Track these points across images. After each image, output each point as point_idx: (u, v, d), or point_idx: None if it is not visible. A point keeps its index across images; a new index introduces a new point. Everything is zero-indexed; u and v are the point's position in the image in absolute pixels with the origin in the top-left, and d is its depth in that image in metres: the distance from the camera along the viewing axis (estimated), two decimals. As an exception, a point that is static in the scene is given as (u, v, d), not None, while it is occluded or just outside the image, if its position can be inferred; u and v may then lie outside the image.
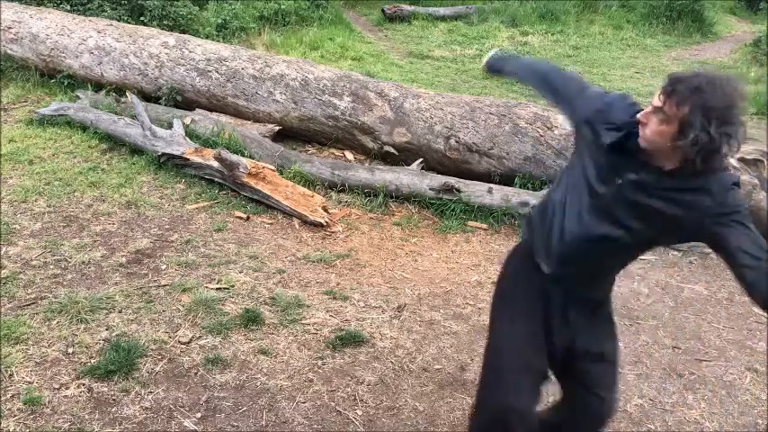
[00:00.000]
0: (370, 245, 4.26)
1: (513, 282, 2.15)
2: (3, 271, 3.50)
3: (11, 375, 2.76)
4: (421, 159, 5.10)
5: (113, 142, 5.32)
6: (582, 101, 1.99)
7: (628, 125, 1.81)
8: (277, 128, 5.63)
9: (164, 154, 4.91)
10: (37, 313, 3.18)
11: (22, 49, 6.62)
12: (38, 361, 2.86)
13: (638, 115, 1.77)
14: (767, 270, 1.68)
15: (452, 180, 4.74)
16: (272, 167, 4.75)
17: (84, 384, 2.75)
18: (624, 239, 1.86)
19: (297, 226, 4.41)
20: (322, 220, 4.38)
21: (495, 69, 2.45)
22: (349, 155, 5.51)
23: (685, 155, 1.69)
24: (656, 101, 1.72)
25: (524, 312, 2.05)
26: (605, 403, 2.13)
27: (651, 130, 1.73)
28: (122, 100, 5.96)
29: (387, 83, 5.73)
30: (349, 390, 2.87)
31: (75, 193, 4.52)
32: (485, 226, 4.54)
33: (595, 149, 1.88)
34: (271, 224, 4.41)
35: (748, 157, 4.36)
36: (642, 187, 1.80)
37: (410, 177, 4.81)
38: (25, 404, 2.61)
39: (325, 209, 4.50)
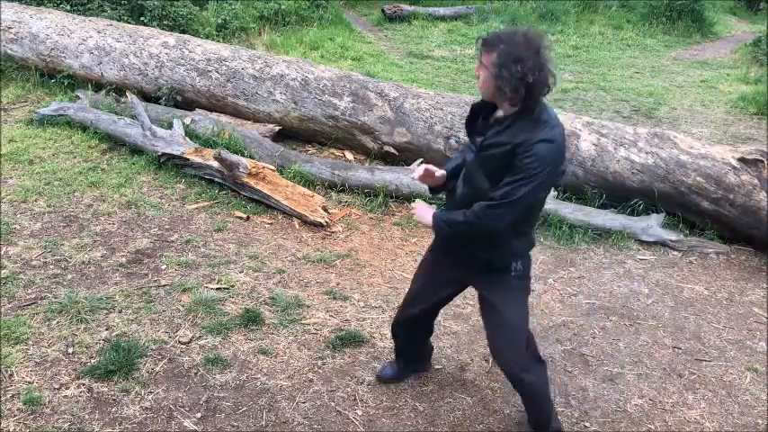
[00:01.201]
0: (370, 245, 4.26)
1: None
2: (3, 271, 3.51)
3: (11, 375, 2.76)
4: (421, 159, 5.09)
5: (113, 142, 5.32)
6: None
7: (475, 106, 2.32)
8: (277, 128, 5.63)
9: (164, 154, 4.91)
10: (37, 313, 3.18)
11: (22, 49, 6.63)
12: (38, 361, 2.86)
13: (475, 70, 2.21)
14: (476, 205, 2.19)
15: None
16: (272, 167, 4.75)
17: (84, 384, 2.75)
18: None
19: (297, 226, 4.41)
20: (322, 220, 4.38)
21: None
22: (349, 155, 5.51)
23: (506, 93, 2.08)
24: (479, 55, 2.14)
25: None
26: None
27: (481, 81, 2.17)
28: (122, 100, 5.96)
29: (387, 83, 5.73)
30: (349, 390, 2.87)
31: (75, 193, 4.52)
32: (485, 226, 4.54)
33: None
34: (271, 224, 4.41)
35: (748, 157, 4.36)
36: (487, 146, 2.21)
37: (410, 177, 4.81)
38: (25, 404, 2.61)
39: (325, 209, 4.50)
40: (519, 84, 2.05)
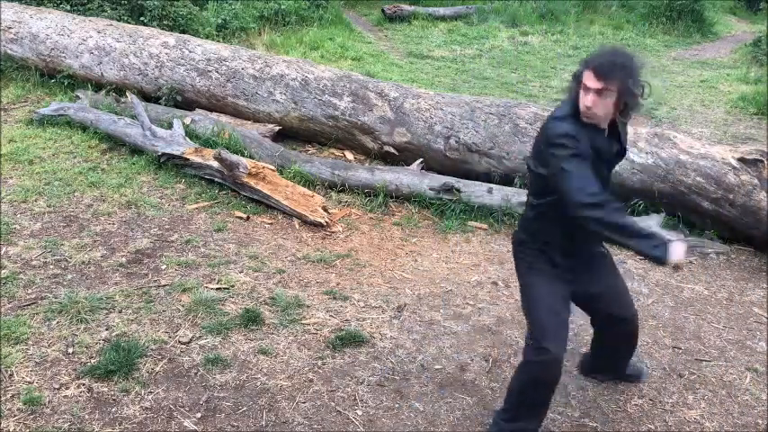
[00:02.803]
0: (370, 245, 4.26)
1: None
2: (3, 271, 3.51)
3: (11, 375, 2.76)
4: (421, 159, 5.10)
5: (113, 142, 5.32)
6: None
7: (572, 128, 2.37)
8: (277, 128, 5.63)
9: (164, 154, 4.91)
10: (37, 313, 3.18)
11: (22, 49, 6.63)
12: (38, 361, 2.86)
13: (583, 106, 2.30)
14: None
15: (452, 180, 4.74)
16: (272, 167, 4.75)
17: (84, 384, 2.75)
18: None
19: (297, 226, 4.41)
20: (322, 220, 4.38)
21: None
22: (349, 155, 5.51)
23: (620, 111, 2.34)
24: (594, 84, 2.26)
25: None
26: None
27: (602, 108, 2.30)
28: (122, 100, 5.96)
29: (387, 83, 5.73)
30: (349, 390, 2.87)
31: (75, 193, 4.52)
32: (485, 226, 4.54)
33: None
34: (271, 224, 4.41)
35: (748, 157, 4.36)
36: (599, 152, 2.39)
37: (410, 177, 4.81)
38: (25, 404, 2.61)
39: (325, 209, 4.50)
40: (632, 105, 2.33)
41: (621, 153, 2.54)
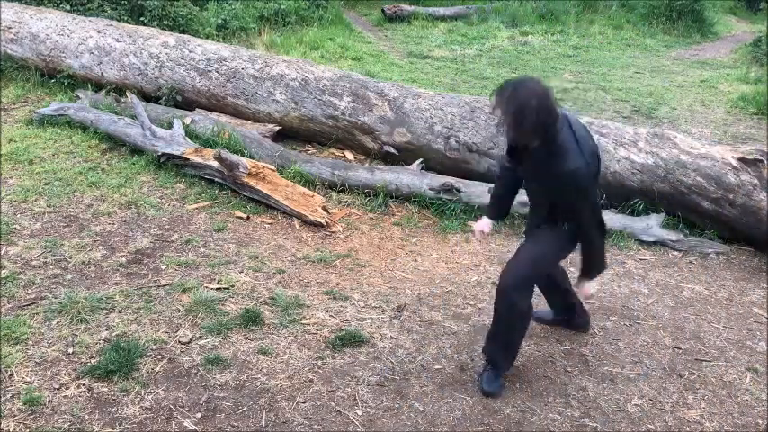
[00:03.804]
0: (370, 245, 4.26)
1: None
2: (3, 271, 3.51)
3: (11, 375, 2.76)
4: (421, 159, 5.10)
5: (113, 142, 5.32)
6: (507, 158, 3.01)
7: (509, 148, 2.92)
8: (277, 128, 5.63)
9: (164, 154, 4.91)
10: (37, 313, 3.18)
11: (22, 49, 6.63)
12: (38, 361, 2.86)
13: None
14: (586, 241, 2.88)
15: (452, 180, 4.74)
16: (272, 167, 4.75)
17: (84, 384, 2.75)
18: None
19: (297, 226, 4.41)
20: (322, 220, 4.38)
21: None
22: (349, 155, 5.51)
23: (523, 135, 2.57)
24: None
25: None
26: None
27: (507, 133, 2.65)
28: (122, 100, 5.96)
29: (387, 83, 5.73)
30: (349, 390, 2.87)
31: (75, 193, 4.52)
32: (485, 226, 4.54)
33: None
34: (271, 224, 4.41)
35: (748, 157, 4.36)
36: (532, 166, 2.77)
37: (410, 177, 4.81)
38: (25, 404, 2.61)
39: (325, 209, 4.50)
40: (530, 131, 2.53)
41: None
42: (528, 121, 2.45)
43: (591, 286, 2.98)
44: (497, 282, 2.93)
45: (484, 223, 3.13)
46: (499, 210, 3.20)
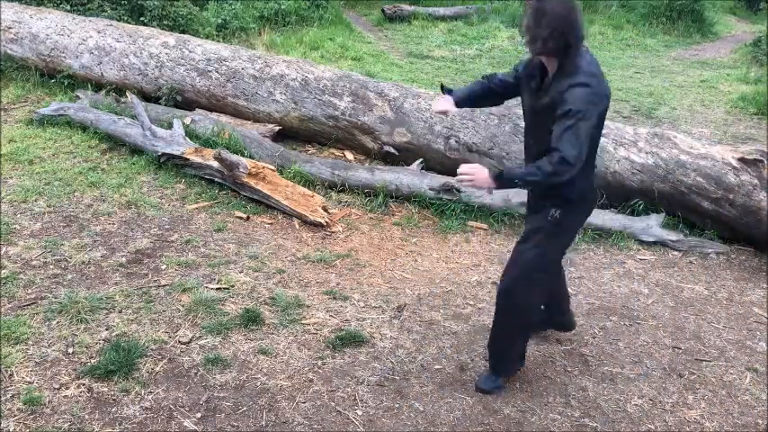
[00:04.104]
0: (370, 245, 4.26)
1: None
2: (3, 271, 3.51)
3: (11, 375, 2.76)
4: (421, 159, 5.10)
5: (113, 142, 5.32)
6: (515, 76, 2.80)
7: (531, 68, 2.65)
8: (277, 128, 5.63)
9: (164, 154, 4.91)
10: (37, 313, 3.18)
11: (22, 49, 6.63)
12: (38, 361, 2.86)
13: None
14: (542, 160, 2.42)
15: (452, 180, 4.74)
16: (272, 167, 4.75)
17: (84, 384, 2.75)
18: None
19: (297, 226, 4.41)
20: (322, 220, 4.38)
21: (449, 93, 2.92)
22: (349, 155, 5.51)
23: (540, 39, 2.39)
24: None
25: None
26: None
27: (527, 44, 2.47)
28: (122, 100, 5.96)
29: (387, 83, 5.73)
30: (349, 390, 2.87)
31: (75, 193, 4.52)
32: (485, 226, 4.55)
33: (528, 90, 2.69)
34: (271, 224, 4.41)
35: (748, 157, 4.36)
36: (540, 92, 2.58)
37: (410, 177, 4.81)
38: (25, 404, 2.61)
39: (325, 209, 4.50)
40: (553, 44, 2.40)
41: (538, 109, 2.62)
42: (547, 22, 2.35)
43: (480, 178, 2.48)
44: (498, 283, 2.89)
45: (445, 100, 2.86)
46: (466, 95, 2.90)
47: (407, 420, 2.73)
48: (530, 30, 2.41)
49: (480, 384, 2.91)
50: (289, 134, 5.73)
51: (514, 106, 5.13)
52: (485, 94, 2.90)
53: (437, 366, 3.07)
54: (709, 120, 7.25)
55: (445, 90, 2.94)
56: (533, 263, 2.73)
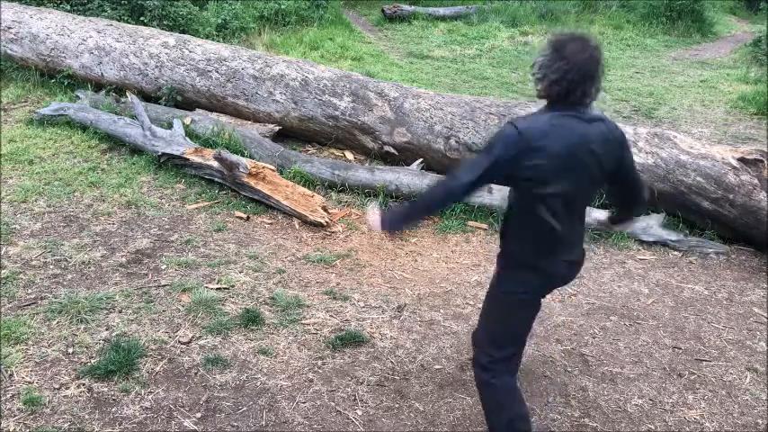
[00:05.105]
0: (370, 245, 4.26)
1: None
2: (3, 271, 3.50)
3: (11, 375, 2.76)
4: (421, 159, 5.10)
5: (113, 142, 5.33)
6: (500, 159, 2.18)
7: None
8: (277, 128, 5.63)
9: (164, 154, 4.91)
10: (37, 313, 3.18)
11: (22, 49, 6.63)
12: (38, 361, 2.86)
13: None
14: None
15: (452, 180, 4.73)
16: (272, 167, 4.75)
17: (84, 384, 2.75)
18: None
19: (297, 226, 4.41)
20: (322, 220, 4.38)
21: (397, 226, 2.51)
22: (349, 155, 5.51)
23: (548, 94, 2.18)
24: None
25: None
26: None
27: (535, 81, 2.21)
28: (122, 100, 5.96)
29: (387, 83, 5.73)
30: (349, 390, 2.87)
31: (75, 193, 4.52)
32: (485, 226, 4.55)
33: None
34: (271, 224, 4.41)
35: (748, 157, 4.36)
36: None
37: (410, 177, 4.81)
38: (25, 404, 2.61)
39: (325, 209, 4.50)
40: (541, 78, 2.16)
41: None
42: (559, 65, 2.10)
43: (374, 219, 2.40)
44: None
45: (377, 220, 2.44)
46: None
47: (407, 420, 2.73)
48: (542, 68, 2.15)
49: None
50: (289, 134, 5.73)
51: (514, 106, 5.14)
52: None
53: (437, 366, 3.07)
54: (709, 120, 7.25)
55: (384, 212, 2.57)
56: (481, 332, 2.54)
